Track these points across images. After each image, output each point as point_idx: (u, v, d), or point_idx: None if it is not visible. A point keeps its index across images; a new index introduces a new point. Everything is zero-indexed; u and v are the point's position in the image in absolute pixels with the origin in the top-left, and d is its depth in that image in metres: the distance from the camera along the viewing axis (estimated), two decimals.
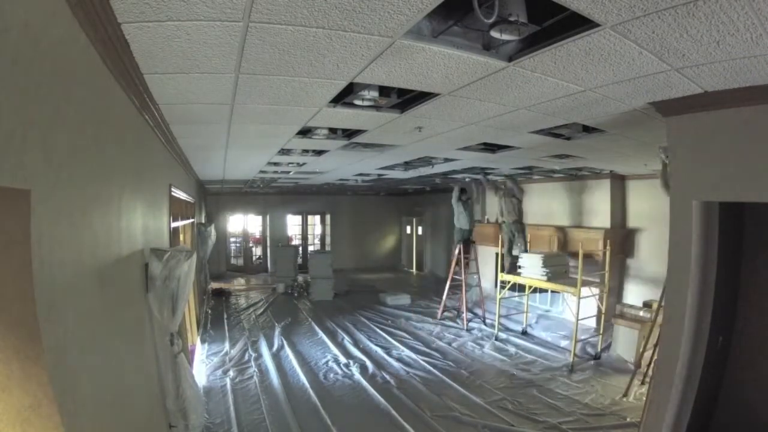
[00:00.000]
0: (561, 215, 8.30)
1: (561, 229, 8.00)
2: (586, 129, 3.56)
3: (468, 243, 8.69)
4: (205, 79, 2.12)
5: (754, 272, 2.83)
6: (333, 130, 3.80)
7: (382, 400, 4.74)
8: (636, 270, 7.17)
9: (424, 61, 1.97)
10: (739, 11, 1.41)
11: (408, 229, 15.82)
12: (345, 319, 8.31)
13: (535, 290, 8.86)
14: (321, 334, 7.31)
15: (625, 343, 5.96)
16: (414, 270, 15.06)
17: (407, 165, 6.20)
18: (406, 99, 2.76)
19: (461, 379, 5.35)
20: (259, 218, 14.87)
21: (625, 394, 4.74)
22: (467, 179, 8.23)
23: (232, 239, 14.85)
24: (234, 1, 1.36)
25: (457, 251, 8.52)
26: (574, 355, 5.81)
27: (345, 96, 2.61)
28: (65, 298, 1.23)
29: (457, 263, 8.52)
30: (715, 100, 2.31)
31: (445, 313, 8.72)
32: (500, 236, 7.47)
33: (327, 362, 6.00)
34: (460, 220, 8.29)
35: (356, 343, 6.81)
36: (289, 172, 6.91)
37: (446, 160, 5.67)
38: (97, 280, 1.57)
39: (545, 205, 8.69)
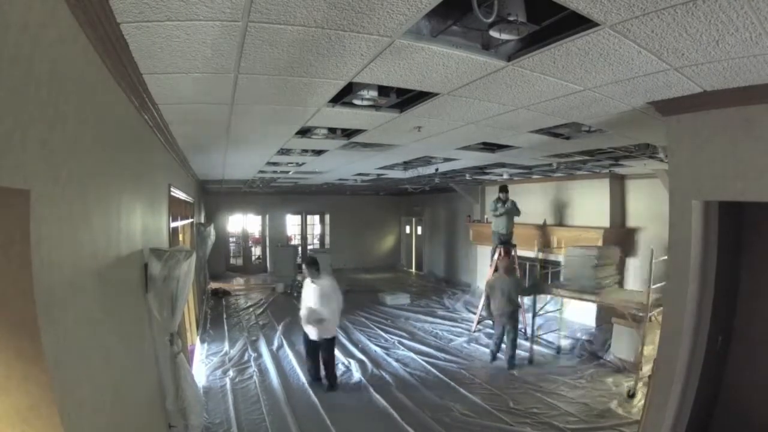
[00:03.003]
0: (561, 214, 8.31)
1: (560, 229, 8.01)
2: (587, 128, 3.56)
3: (508, 246, 7.57)
4: (205, 79, 2.12)
5: (754, 272, 2.83)
6: (332, 130, 3.80)
7: (381, 399, 4.74)
8: (636, 269, 7.17)
9: (424, 61, 1.97)
10: (738, 10, 1.41)
11: (407, 229, 15.82)
12: (344, 319, 8.29)
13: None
14: None
15: (624, 342, 5.96)
16: (413, 270, 15.07)
17: (406, 165, 6.21)
18: (405, 99, 2.76)
19: (461, 379, 5.35)
20: (259, 218, 14.86)
21: (632, 395, 4.73)
22: (505, 176, 7.34)
23: (232, 239, 14.84)
24: (233, 1, 1.36)
25: (496, 256, 7.45)
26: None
27: (344, 96, 2.61)
28: (65, 298, 1.23)
29: (496, 269, 7.21)
30: (715, 100, 2.31)
31: (479, 325, 7.64)
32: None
33: None
34: (497, 223, 7.52)
35: (356, 343, 6.81)
36: (288, 171, 6.91)
37: (446, 159, 5.68)
38: (96, 280, 1.57)
39: (544, 205, 8.69)
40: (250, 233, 15.22)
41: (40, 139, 1.07)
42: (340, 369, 5.73)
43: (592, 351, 6.18)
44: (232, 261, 14.71)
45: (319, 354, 5.09)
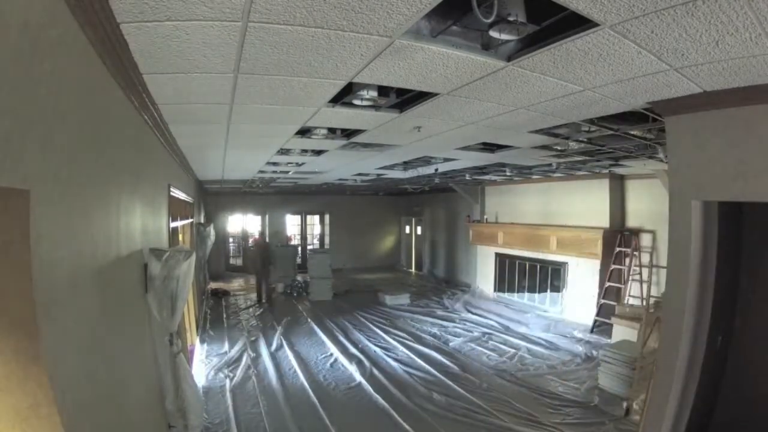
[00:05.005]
0: (560, 215, 8.32)
1: (560, 229, 8.02)
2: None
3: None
4: (204, 79, 2.12)
5: (753, 272, 2.83)
6: (332, 130, 3.80)
7: (380, 399, 4.74)
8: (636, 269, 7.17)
9: (423, 61, 1.97)
10: (738, 11, 1.41)
11: (407, 229, 15.81)
12: (344, 319, 8.30)
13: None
14: (320, 333, 7.31)
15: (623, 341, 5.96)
16: (413, 270, 15.06)
17: (406, 165, 6.21)
18: (405, 99, 2.76)
19: (460, 379, 5.35)
20: (258, 218, 14.86)
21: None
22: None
23: (231, 239, 14.84)
24: (233, 1, 1.36)
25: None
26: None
27: (344, 96, 2.61)
28: (64, 298, 1.23)
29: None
30: (715, 100, 2.31)
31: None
32: None
33: (326, 362, 6.00)
34: None
35: (355, 343, 6.81)
36: (288, 172, 6.90)
37: (446, 159, 5.68)
38: (96, 280, 1.57)
39: (544, 205, 8.71)
40: (250, 233, 15.22)
41: (40, 139, 1.07)
42: (339, 369, 5.74)
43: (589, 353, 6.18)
44: (232, 261, 14.70)
45: None
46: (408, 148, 4.59)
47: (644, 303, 6.24)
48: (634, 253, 7.00)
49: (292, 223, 15.43)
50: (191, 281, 2.67)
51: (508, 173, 7.33)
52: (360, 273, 14.38)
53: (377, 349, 6.50)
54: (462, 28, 1.78)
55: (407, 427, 4.14)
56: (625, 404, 4.42)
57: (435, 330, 7.61)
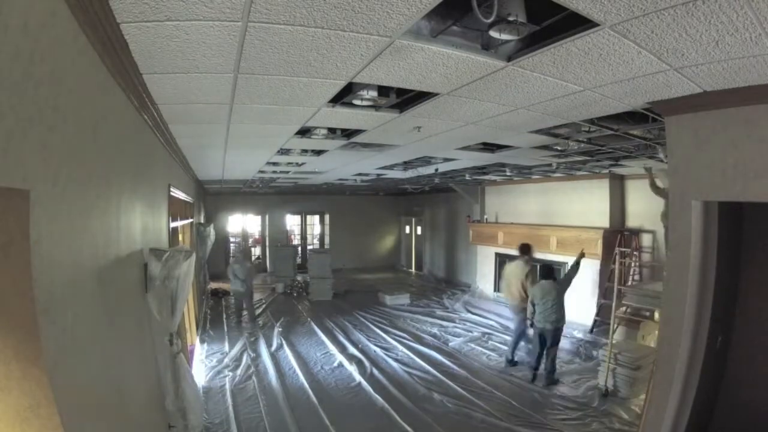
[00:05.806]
0: (560, 215, 8.31)
1: (560, 229, 8.01)
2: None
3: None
4: (204, 79, 2.12)
5: (753, 272, 2.83)
6: (332, 130, 3.80)
7: (380, 399, 4.74)
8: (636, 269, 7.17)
9: (423, 61, 1.97)
10: (738, 11, 1.41)
11: (407, 229, 15.81)
12: (344, 319, 8.30)
13: None
14: (320, 334, 7.31)
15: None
16: (413, 270, 15.06)
17: (406, 165, 6.21)
18: (405, 99, 2.76)
19: (460, 380, 5.35)
20: (258, 218, 14.86)
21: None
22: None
23: (232, 239, 14.84)
24: (233, 1, 1.36)
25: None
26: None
27: (344, 96, 2.61)
28: (64, 299, 1.23)
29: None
30: (715, 100, 2.31)
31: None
32: None
33: (325, 362, 6.00)
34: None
35: (355, 343, 6.81)
36: (288, 172, 6.90)
37: (446, 159, 5.68)
38: (96, 280, 1.57)
39: (544, 205, 8.70)
40: (250, 233, 15.22)
41: (40, 139, 1.07)
42: (339, 369, 5.74)
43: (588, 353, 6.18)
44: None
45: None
46: (408, 148, 4.59)
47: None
48: (634, 253, 7.01)
49: (292, 223, 15.43)
50: (191, 281, 2.67)
51: (508, 173, 7.33)
52: (360, 273, 14.38)
53: (377, 349, 6.50)
54: (462, 28, 1.78)
55: (407, 427, 4.14)
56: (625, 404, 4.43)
57: (435, 330, 7.61)
